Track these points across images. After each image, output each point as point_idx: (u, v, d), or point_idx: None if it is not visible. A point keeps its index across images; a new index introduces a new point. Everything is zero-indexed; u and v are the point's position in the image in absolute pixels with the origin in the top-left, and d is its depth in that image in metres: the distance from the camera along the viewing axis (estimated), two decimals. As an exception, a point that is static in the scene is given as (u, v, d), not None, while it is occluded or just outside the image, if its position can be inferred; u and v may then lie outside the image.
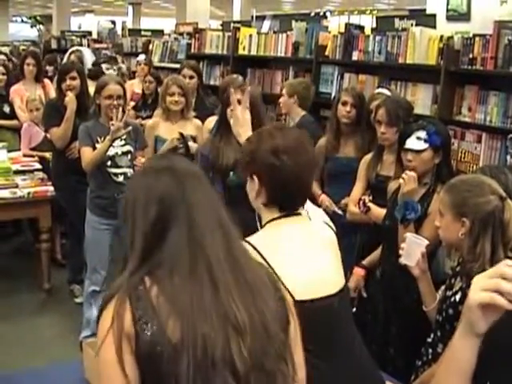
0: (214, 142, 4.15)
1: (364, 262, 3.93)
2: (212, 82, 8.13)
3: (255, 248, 2.25)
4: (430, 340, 2.95)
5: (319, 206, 4.68)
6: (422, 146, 3.47)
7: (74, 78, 5.68)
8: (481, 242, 2.63)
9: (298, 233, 2.39)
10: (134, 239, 1.78)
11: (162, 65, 9.50)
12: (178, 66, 8.42)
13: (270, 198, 2.38)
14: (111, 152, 4.77)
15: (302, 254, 2.33)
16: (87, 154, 4.77)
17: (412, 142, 3.49)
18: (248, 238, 2.28)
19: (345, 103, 4.78)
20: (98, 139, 4.79)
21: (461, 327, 1.48)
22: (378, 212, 3.89)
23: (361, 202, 3.96)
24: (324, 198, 4.81)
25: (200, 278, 1.71)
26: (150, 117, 6.58)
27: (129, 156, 4.90)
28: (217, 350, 1.65)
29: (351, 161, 4.71)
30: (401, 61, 5.59)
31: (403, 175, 3.47)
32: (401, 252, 3.09)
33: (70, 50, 7.96)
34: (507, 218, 2.59)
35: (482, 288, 1.39)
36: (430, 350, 2.91)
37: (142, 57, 8.56)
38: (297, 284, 2.23)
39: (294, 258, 2.29)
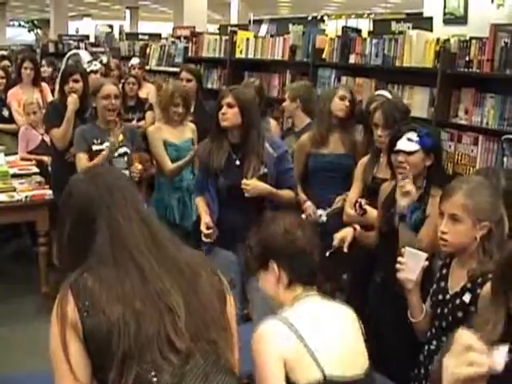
0: (207, 145, 4.17)
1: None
2: (210, 86, 8.14)
3: (286, 320, 2.27)
4: (432, 347, 2.92)
5: (302, 212, 4.71)
6: (413, 147, 3.43)
7: (76, 81, 5.70)
8: (493, 243, 2.70)
9: (324, 310, 2.43)
10: (62, 241, 2.10)
11: (160, 68, 9.52)
12: (175, 69, 8.46)
13: (291, 276, 2.47)
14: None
15: (330, 330, 2.35)
16: (83, 162, 4.81)
17: (403, 144, 3.45)
18: (281, 313, 2.35)
19: (343, 98, 4.82)
20: (95, 141, 4.82)
21: None
22: (375, 214, 3.89)
23: (357, 205, 3.95)
24: (307, 206, 4.79)
25: (125, 267, 1.94)
26: (142, 119, 6.65)
27: (125, 158, 4.93)
28: (150, 326, 1.86)
29: (340, 157, 4.80)
30: (398, 64, 5.62)
31: (399, 185, 3.42)
32: (399, 266, 2.99)
33: (67, 55, 7.98)
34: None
35: (456, 366, 1.42)
36: (436, 357, 2.85)
37: (135, 60, 8.54)
38: (327, 359, 2.23)
39: (323, 334, 2.31)
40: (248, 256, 2.59)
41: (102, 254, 1.96)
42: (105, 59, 9.30)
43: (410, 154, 3.44)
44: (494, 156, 4.85)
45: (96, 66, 7.62)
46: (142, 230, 2.02)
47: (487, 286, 2.54)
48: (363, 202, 3.97)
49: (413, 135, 3.44)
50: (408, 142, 3.44)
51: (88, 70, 7.13)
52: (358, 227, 3.89)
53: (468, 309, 2.71)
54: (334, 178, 4.68)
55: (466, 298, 2.72)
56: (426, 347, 2.96)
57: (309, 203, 4.80)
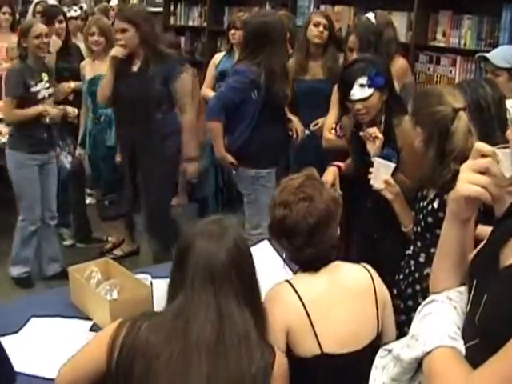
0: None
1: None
2: (190, 23, 8.14)
3: (298, 289, 2.24)
4: (410, 252, 3.02)
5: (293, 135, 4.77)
6: (368, 92, 3.38)
7: (61, 22, 5.70)
8: (429, 151, 2.75)
9: (335, 283, 2.32)
10: None
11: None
12: (157, 9, 8.45)
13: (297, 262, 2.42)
14: (40, 95, 4.82)
15: (336, 306, 2.28)
16: (14, 108, 4.78)
17: (357, 92, 3.39)
18: (291, 280, 2.30)
19: (317, 24, 4.82)
20: (31, 82, 4.78)
21: (447, 215, 1.60)
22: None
23: (337, 127, 3.98)
24: (296, 122, 4.79)
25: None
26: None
27: (52, 97, 5.02)
28: None
29: (319, 82, 4.82)
30: (376, -11, 5.61)
31: (365, 134, 3.42)
32: (369, 176, 3.19)
33: (34, 2, 7.79)
34: (454, 128, 2.67)
35: (470, 182, 1.47)
36: (412, 262, 2.98)
37: (114, 1, 8.45)
38: (328, 336, 2.23)
39: (328, 309, 2.26)
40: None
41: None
42: (85, 6, 9.15)
43: (365, 99, 3.41)
44: (472, 76, 4.92)
45: (76, 11, 7.52)
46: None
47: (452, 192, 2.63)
48: (343, 124, 4.00)
49: (363, 80, 3.38)
50: (361, 89, 3.39)
51: (68, 15, 7.07)
52: (341, 164, 3.89)
53: (437, 214, 2.80)
54: (317, 102, 4.69)
55: (435, 203, 2.82)
56: (406, 252, 3.07)
57: (296, 120, 4.81)
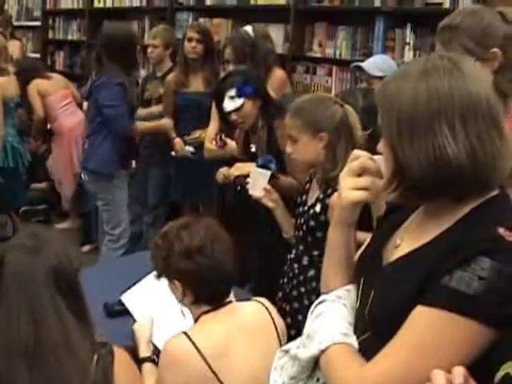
0: None
1: None
2: (70, 37, 8.08)
3: (194, 340, 2.20)
4: (292, 256, 3.07)
5: (172, 149, 4.95)
6: (238, 102, 3.56)
7: None
8: (338, 150, 2.83)
9: (232, 327, 2.30)
10: None
11: (20, 23, 9.22)
12: (35, 23, 8.32)
13: (197, 296, 2.31)
14: None
15: (236, 350, 2.25)
16: None
17: (228, 105, 3.58)
18: (187, 331, 2.24)
19: (190, 39, 4.87)
20: None
21: (333, 221, 1.68)
22: (234, 146, 4.00)
23: (217, 137, 4.03)
24: (177, 141, 4.93)
25: None
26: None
27: None
28: None
29: (200, 95, 4.86)
30: (253, 2, 5.71)
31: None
32: (247, 186, 3.26)
33: None
34: (352, 122, 2.83)
35: (353, 187, 1.55)
36: (296, 265, 3.02)
37: (-6, 17, 8.26)
38: (232, 381, 2.20)
39: (229, 355, 2.23)
40: (154, 265, 2.39)
41: None
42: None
43: (238, 110, 3.57)
44: (348, 85, 5.06)
45: None
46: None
47: (334, 196, 2.71)
48: (223, 135, 4.07)
49: (232, 92, 3.55)
50: (231, 100, 3.56)
51: None
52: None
53: (319, 218, 2.87)
54: (199, 114, 4.73)
55: (317, 208, 2.89)
56: (288, 256, 3.12)
57: (177, 140, 4.94)
